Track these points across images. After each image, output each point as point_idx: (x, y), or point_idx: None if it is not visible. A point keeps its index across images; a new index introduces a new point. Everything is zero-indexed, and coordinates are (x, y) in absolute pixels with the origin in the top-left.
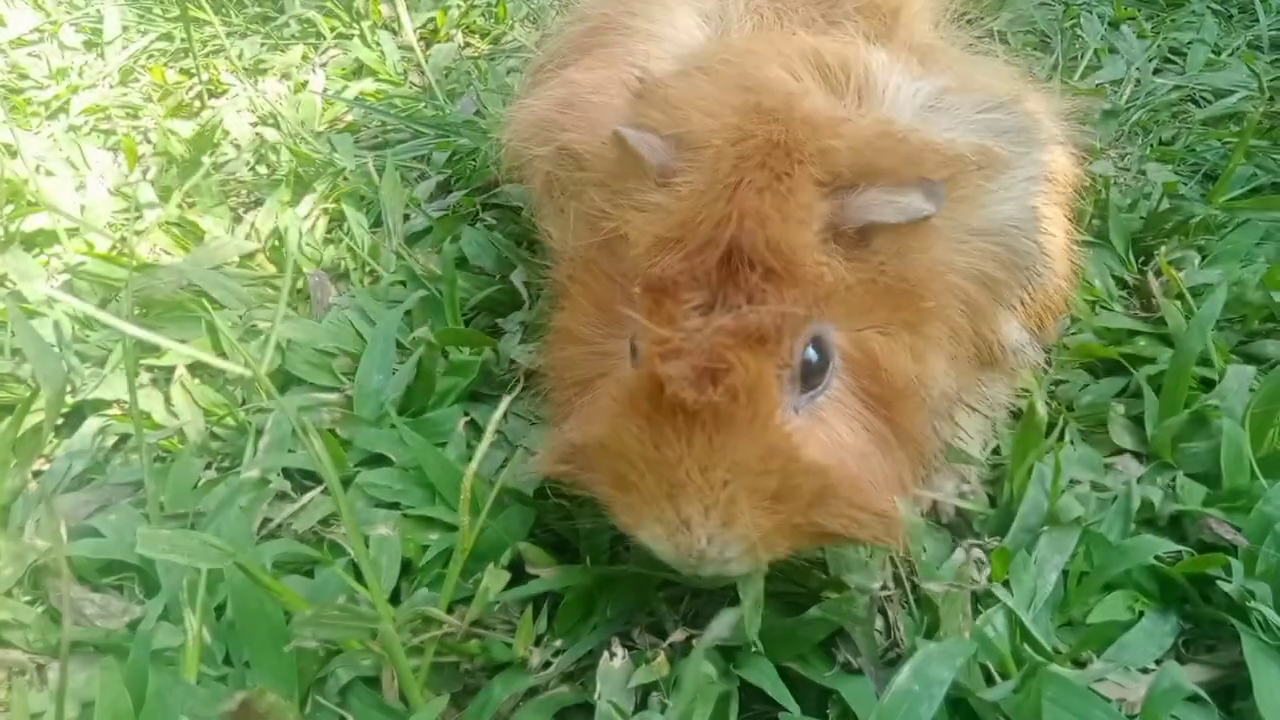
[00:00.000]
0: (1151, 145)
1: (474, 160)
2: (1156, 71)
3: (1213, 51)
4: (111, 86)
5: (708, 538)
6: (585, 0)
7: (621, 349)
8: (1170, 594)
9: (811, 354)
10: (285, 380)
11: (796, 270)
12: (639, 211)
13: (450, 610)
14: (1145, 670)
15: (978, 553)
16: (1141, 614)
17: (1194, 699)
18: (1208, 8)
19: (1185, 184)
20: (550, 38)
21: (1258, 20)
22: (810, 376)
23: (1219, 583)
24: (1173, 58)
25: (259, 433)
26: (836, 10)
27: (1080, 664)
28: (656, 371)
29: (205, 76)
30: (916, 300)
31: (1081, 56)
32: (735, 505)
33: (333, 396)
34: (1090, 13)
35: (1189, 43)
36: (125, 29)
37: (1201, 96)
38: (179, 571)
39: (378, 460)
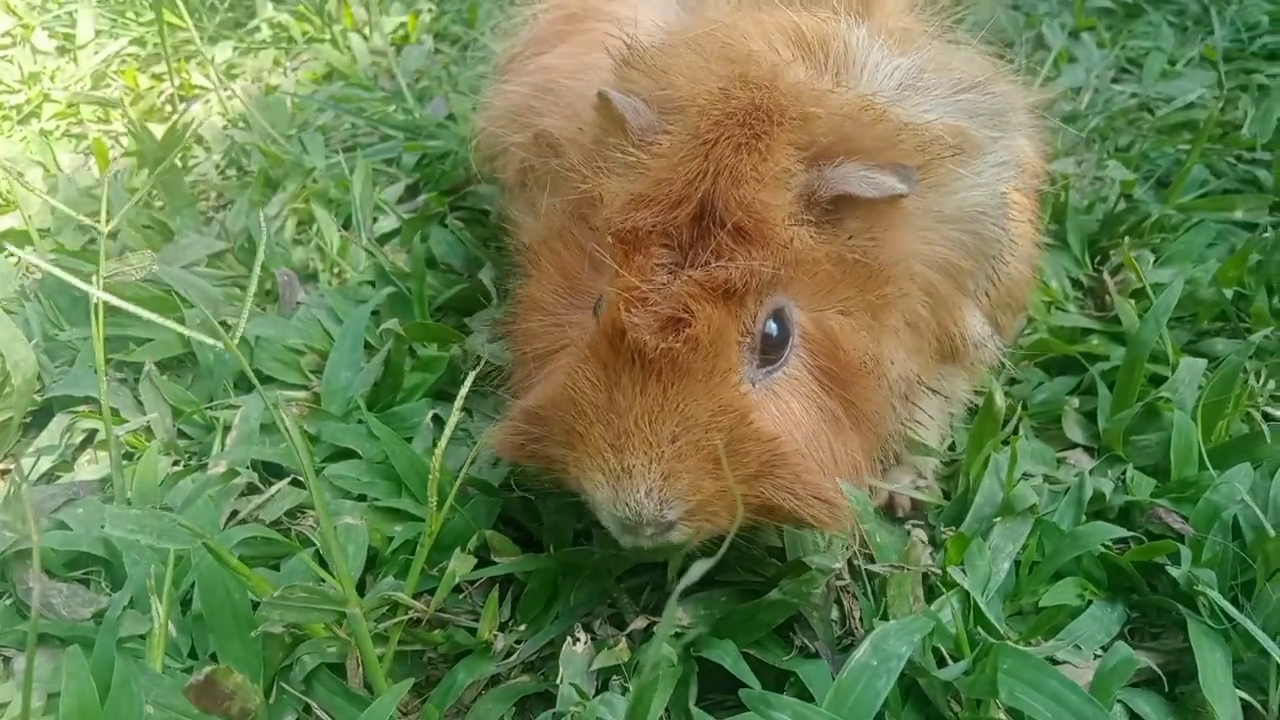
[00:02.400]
0: (1109, 151)
1: (443, 163)
2: (1115, 79)
3: (1169, 61)
4: (84, 90)
5: (647, 489)
6: None
7: (584, 321)
8: (1118, 582)
9: (772, 327)
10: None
11: (766, 230)
12: (617, 174)
13: (416, 600)
14: (1094, 656)
15: (921, 534)
16: (1090, 601)
17: (1141, 683)
18: (1165, 18)
19: (1140, 185)
20: (526, 23)
21: (1213, 31)
22: (769, 351)
23: (1166, 570)
24: (1130, 66)
25: (226, 429)
26: None
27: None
28: (619, 318)
29: (178, 81)
30: (881, 284)
31: (1043, 64)
32: (680, 461)
33: (300, 394)
34: (1052, 21)
35: (1146, 52)
36: (98, 33)
37: (1157, 104)
38: (146, 560)
39: (345, 454)
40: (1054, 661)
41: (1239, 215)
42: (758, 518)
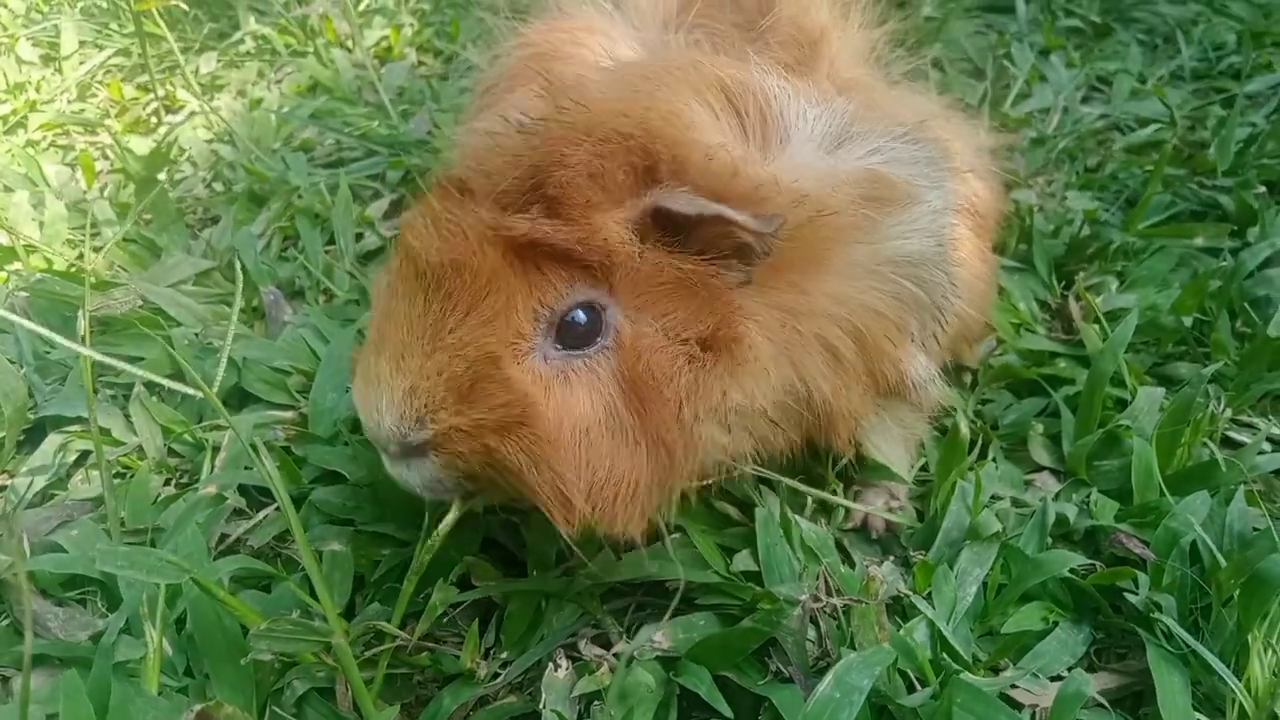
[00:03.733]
0: (1078, 172)
1: (427, 180)
2: (1084, 100)
3: (1138, 81)
4: (69, 102)
5: (389, 399)
6: (532, 25)
7: None
8: (1083, 605)
9: (580, 316)
10: (241, 398)
11: (575, 212)
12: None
13: (403, 624)
14: (1058, 677)
15: (889, 567)
16: (1055, 624)
17: (1100, 705)
18: (1134, 38)
19: (1107, 210)
20: (497, 60)
21: (1180, 51)
22: (570, 335)
23: (1128, 595)
24: (1099, 86)
25: (216, 449)
26: (761, 42)
27: (997, 671)
28: (411, 229)
29: (162, 93)
30: (728, 319)
31: (1012, 85)
32: (425, 379)
33: (287, 414)
34: (1021, 41)
35: (1115, 72)
36: (82, 44)
37: (1126, 125)
38: (140, 586)
39: (331, 477)
40: (1013, 689)
41: (1200, 242)
42: (494, 479)
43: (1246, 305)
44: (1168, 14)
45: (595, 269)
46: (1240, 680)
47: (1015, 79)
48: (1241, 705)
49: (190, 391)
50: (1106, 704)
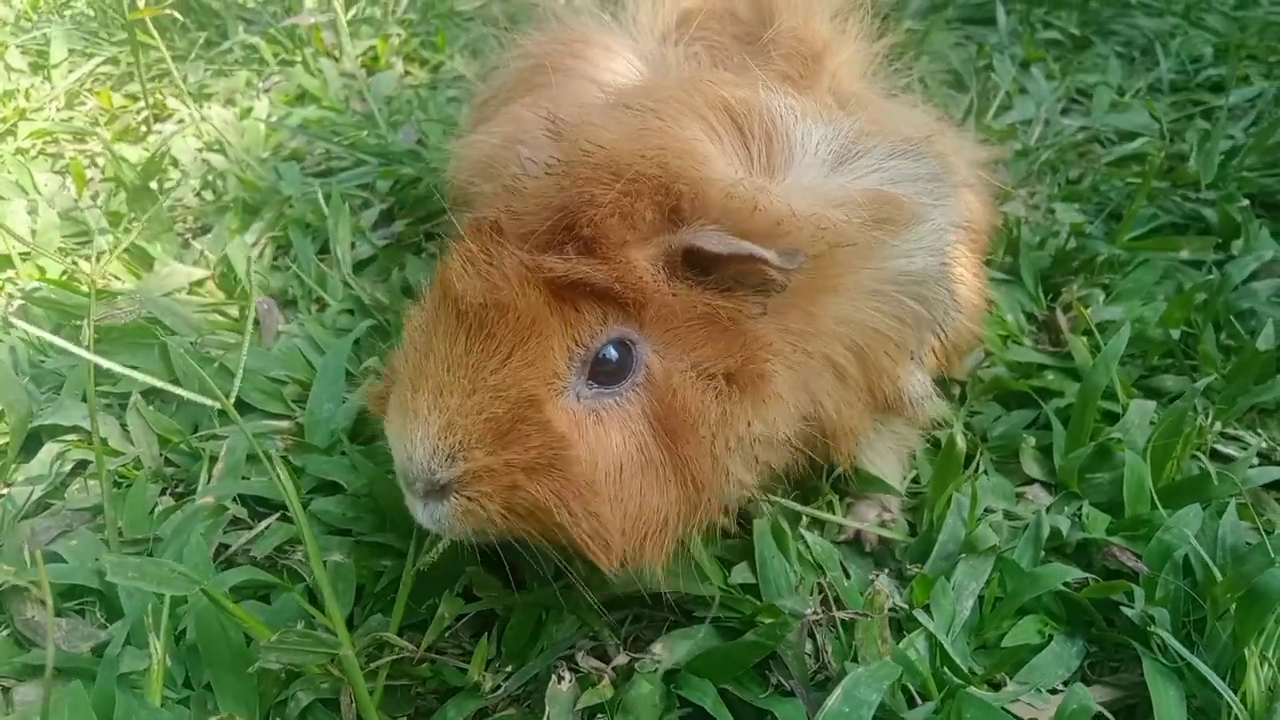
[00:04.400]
0: (1059, 184)
1: (416, 189)
2: (1064, 112)
3: (1117, 93)
4: (58, 110)
5: (424, 432)
6: (530, 37)
7: None
8: (1077, 618)
9: (611, 352)
10: (238, 408)
11: (610, 252)
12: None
13: (400, 633)
14: (1054, 690)
15: (884, 582)
16: (1051, 637)
17: (1098, 718)
18: (1113, 50)
19: (1091, 223)
20: (495, 71)
21: (1158, 63)
22: (603, 374)
23: (1122, 608)
24: (1079, 98)
25: (213, 459)
26: (763, 55)
27: (995, 685)
28: (450, 268)
29: (151, 100)
30: (754, 354)
31: (994, 97)
32: (463, 417)
33: (284, 424)
34: (1003, 54)
35: (1095, 84)
36: (71, 52)
37: (1106, 137)
38: (141, 597)
39: (330, 487)
40: (1012, 703)
41: (1185, 255)
42: (525, 522)
43: (1232, 318)
44: (1145, 27)
45: (628, 306)
46: (1236, 693)
47: (996, 91)
48: (1237, 718)
49: (198, 399)
50: (1110, 716)
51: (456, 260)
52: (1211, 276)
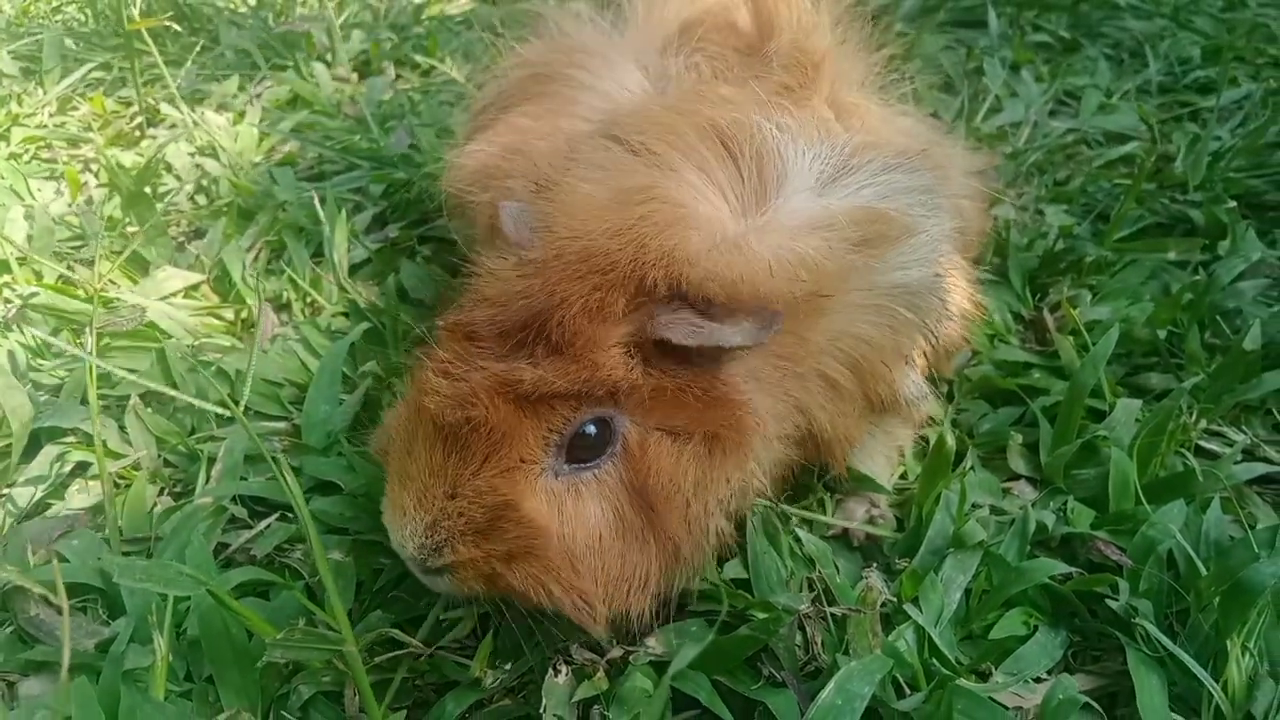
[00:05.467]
0: (1048, 185)
1: (408, 192)
2: (1053, 114)
3: (1105, 95)
4: (51, 115)
5: (412, 531)
6: (529, 45)
7: None
8: (1061, 610)
9: (590, 429)
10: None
11: (580, 354)
12: (481, 276)
13: (397, 627)
14: (1039, 680)
15: (876, 577)
16: (1035, 628)
17: (1084, 706)
18: (1101, 53)
19: (1079, 224)
20: (493, 78)
21: (1147, 65)
22: (581, 450)
23: (1106, 600)
24: (1068, 100)
25: (210, 460)
26: (764, 66)
27: (982, 675)
28: (425, 383)
29: (144, 105)
30: (732, 414)
31: (984, 100)
32: (447, 519)
33: (281, 425)
34: (992, 57)
35: (1083, 87)
36: (63, 57)
37: (1094, 139)
38: (143, 595)
39: (327, 487)
40: (1001, 693)
41: (1172, 256)
42: (509, 595)
43: (1218, 318)
44: (1134, 29)
45: (602, 397)
46: (1218, 682)
47: (987, 94)
48: (1218, 706)
49: (199, 404)
50: (1094, 703)
51: (430, 373)
52: (1198, 277)
